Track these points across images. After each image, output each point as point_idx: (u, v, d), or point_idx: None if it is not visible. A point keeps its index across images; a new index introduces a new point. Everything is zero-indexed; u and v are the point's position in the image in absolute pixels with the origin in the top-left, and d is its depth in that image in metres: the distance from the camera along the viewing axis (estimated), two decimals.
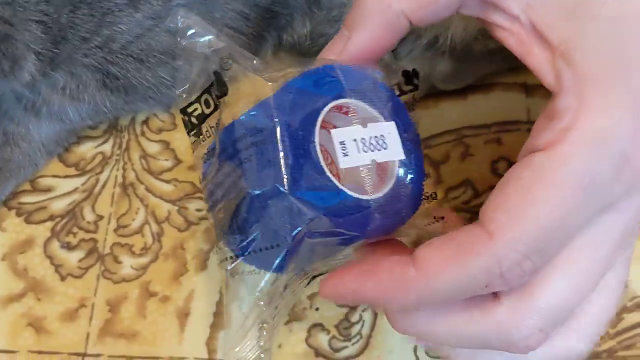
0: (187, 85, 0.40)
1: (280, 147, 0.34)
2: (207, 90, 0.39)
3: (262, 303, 0.42)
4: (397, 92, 0.41)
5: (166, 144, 0.53)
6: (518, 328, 0.33)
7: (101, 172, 0.52)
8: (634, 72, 0.31)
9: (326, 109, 0.35)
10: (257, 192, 0.34)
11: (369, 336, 0.46)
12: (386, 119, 0.36)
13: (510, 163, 0.50)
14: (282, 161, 0.33)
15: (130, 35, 0.47)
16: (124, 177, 0.52)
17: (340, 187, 0.34)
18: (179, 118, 0.53)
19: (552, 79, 0.33)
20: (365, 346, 0.46)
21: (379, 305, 0.35)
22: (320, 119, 0.34)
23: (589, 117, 0.31)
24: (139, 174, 0.52)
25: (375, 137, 0.35)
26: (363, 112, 0.36)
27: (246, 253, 0.37)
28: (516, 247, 0.31)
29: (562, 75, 0.32)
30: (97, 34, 0.46)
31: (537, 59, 0.33)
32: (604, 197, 0.31)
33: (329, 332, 0.47)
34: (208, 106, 0.40)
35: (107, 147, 0.53)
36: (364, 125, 0.35)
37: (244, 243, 0.36)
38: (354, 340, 0.46)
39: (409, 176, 0.36)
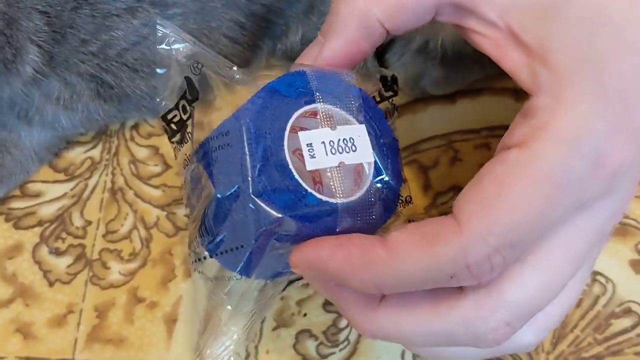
0: (166, 93, 0.40)
1: (246, 149, 0.34)
2: (183, 97, 0.40)
3: (229, 307, 0.42)
4: (378, 98, 0.41)
5: (155, 149, 0.53)
6: (485, 321, 0.33)
7: (90, 177, 0.52)
8: (606, 70, 0.32)
9: (297, 112, 0.35)
10: (223, 193, 0.35)
11: (357, 342, 0.46)
12: (359, 123, 0.36)
13: None
14: (248, 163, 0.34)
15: (127, 42, 0.47)
16: (112, 182, 0.52)
17: (308, 189, 0.34)
18: None
19: (529, 79, 0.33)
20: (353, 352, 0.46)
21: (344, 280, 0.34)
22: (290, 122, 0.35)
23: (564, 114, 0.31)
24: (128, 179, 0.52)
25: (344, 139, 0.35)
26: (336, 116, 0.36)
27: (215, 254, 0.37)
28: (485, 239, 0.31)
29: (539, 76, 0.33)
30: (96, 37, 0.46)
31: (513, 62, 0.34)
32: (578, 195, 0.31)
33: (316, 338, 0.46)
34: (185, 112, 0.40)
35: (96, 152, 0.53)
36: (333, 128, 0.35)
37: (213, 244, 0.37)
38: (341, 346, 0.46)
39: (384, 180, 0.36)
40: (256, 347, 0.46)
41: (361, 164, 0.36)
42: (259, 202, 0.33)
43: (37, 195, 0.52)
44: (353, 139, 0.36)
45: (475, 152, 0.51)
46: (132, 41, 0.47)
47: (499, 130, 0.51)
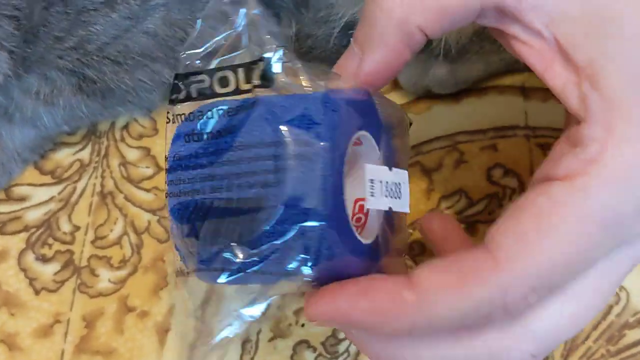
0: (202, 49, 0.35)
1: (330, 170, 0.31)
2: (232, 68, 0.34)
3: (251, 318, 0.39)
4: None
5: (147, 151, 0.51)
6: (509, 351, 0.31)
7: (79, 180, 0.50)
8: None
9: (355, 136, 0.33)
10: (297, 206, 0.31)
11: (357, 354, 0.44)
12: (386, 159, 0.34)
13: (507, 170, 0.48)
14: (329, 187, 0.31)
15: (107, 37, 0.45)
16: (102, 185, 0.50)
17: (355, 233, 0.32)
18: (160, 123, 0.51)
19: (577, 102, 0.30)
20: None
21: (372, 329, 0.32)
22: (349, 146, 0.32)
23: (616, 150, 0.29)
24: (118, 182, 0.50)
25: (395, 183, 0.34)
26: (372, 147, 0.34)
27: (249, 270, 0.32)
28: (526, 280, 0.29)
29: (588, 100, 0.30)
30: (72, 33, 0.44)
31: (559, 79, 0.31)
32: (622, 235, 0.30)
33: (315, 349, 0.44)
34: (224, 85, 0.34)
35: (85, 154, 0.51)
36: (390, 168, 0.33)
37: (250, 259, 0.31)
38: (341, 358, 0.44)
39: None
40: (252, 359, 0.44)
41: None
42: (330, 231, 0.31)
43: (22, 199, 0.50)
44: (400, 185, 0.34)
45: (481, 154, 0.49)
46: (113, 35, 0.45)
47: (506, 130, 0.49)
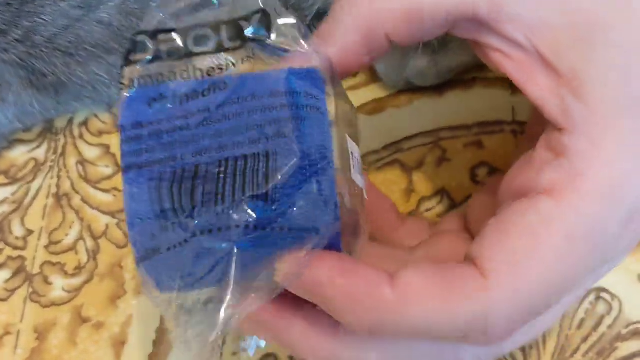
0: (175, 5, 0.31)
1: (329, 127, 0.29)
2: (213, 25, 0.31)
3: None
4: None
5: (106, 148, 0.47)
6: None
7: (33, 180, 0.47)
8: None
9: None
10: (312, 158, 0.28)
11: None
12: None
13: (492, 169, 0.45)
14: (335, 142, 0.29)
15: (56, 27, 0.42)
16: (58, 186, 0.46)
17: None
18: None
19: (558, 112, 0.29)
20: None
21: (335, 311, 0.29)
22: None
23: (603, 164, 0.28)
24: (75, 182, 0.46)
25: (359, 160, 0.32)
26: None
27: (267, 227, 0.28)
28: (513, 302, 0.28)
29: (571, 109, 0.28)
30: (16, 25, 0.41)
31: (540, 88, 0.30)
32: (608, 252, 0.29)
33: None
34: (201, 44, 0.30)
35: (40, 152, 0.47)
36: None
37: (267, 214, 0.28)
38: None
39: None
40: None
41: None
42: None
43: None
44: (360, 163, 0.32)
45: (465, 151, 0.45)
46: (63, 25, 0.42)
47: (492, 126, 0.46)
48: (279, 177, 0.28)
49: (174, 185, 0.28)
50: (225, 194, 0.28)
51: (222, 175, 0.28)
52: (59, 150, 0.47)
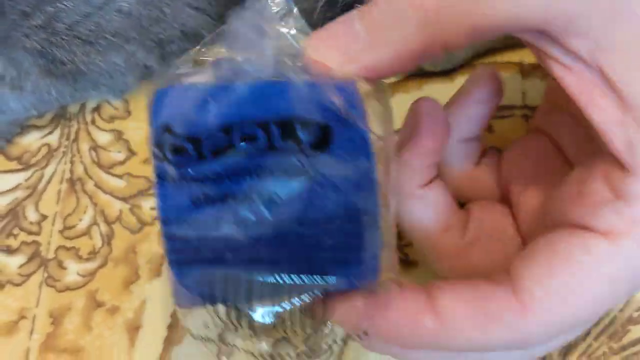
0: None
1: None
2: None
3: None
4: None
5: (119, 134, 0.47)
6: None
7: (47, 165, 0.47)
8: None
9: None
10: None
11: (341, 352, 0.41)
12: None
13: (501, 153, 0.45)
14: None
15: (77, 14, 0.42)
16: (71, 171, 0.47)
17: None
18: (133, 105, 0.48)
19: (623, 146, 0.28)
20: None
21: (386, 340, 0.31)
22: None
23: None
24: (88, 167, 0.47)
25: None
26: None
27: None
28: (548, 330, 0.29)
29: (636, 149, 0.27)
30: (39, 9, 0.41)
31: (602, 115, 0.28)
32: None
33: None
34: None
35: (54, 138, 0.48)
36: None
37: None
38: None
39: None
40: None
41: None
42: None
43: None
44: None
45: None
46: (84, 12, 0.42)
47: (503, 110, 0.46)
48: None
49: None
50: None
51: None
52: (72, 136, 0.47)
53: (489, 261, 0.36)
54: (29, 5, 0.41)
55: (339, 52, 0.29)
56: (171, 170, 0.27)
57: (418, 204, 0.37)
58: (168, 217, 0.28)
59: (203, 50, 0.30)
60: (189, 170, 0.27)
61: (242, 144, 0.26)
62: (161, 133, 0.27)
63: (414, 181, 0.36)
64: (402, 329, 0.30)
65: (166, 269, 0.30)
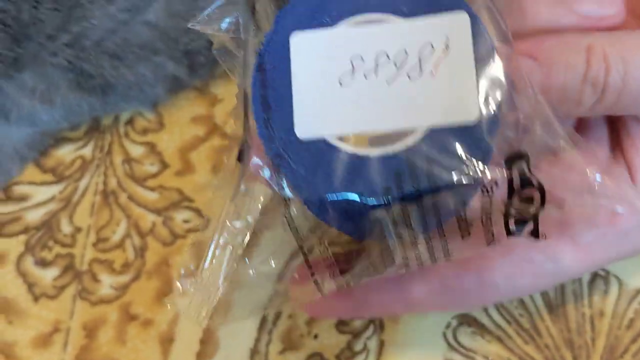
0: None
1: None
2: None
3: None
4: None
5: (151, 147, 0.47)
6: None
7: (81, 178, 0.47)
8: None
9: None
10: None
11: None
12: None
13: None
14: None
15: (104, 30, 0.42)
16: (105, 184, 0.47)
17: None
18: (166, 117, 0.48)
19: None
20: None
21: None
22: None
23: None
24: (122, 180, 0.47)
25: None
26: None
27: None
28: None
29: None
30: (65, 30, 0.41)
31: None
32: None
33: None
34: None
35: (87, 151, 0.48)
36: None
37: None
38: None
39: None
40: None
41: None
42: None
43: (22, 198, 0.47)
44: None
45: None
46: (111, 28, 0.42)
47: None
48: None
49: None
50: None
51: None
52: (106, 148, 0.48)
53: None
54: (54, 29, 0.41)
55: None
56: None
57: None
58: None
59: None
60: None
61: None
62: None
63: None
64: None
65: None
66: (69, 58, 0.42)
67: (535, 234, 0.30)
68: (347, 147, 0.29)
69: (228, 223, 0.32)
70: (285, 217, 0.30)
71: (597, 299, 0.40)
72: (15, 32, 0.40)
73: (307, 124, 0.30)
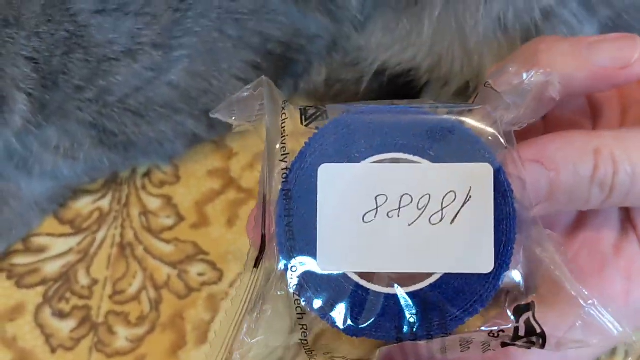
0: None
1: None
2: None
3: None
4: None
5: (168, 199, 0.48)
6: None
7: (98, 230, 0.48)
8: None
9: None
10: None
11: None
12: None
13: None
14: None
15: (128, 88, 0.43)
16: (122, 236, 0.48)
17: None
18: (182, 170, 0.49)
19: None
20: None
21: None
22: None
23: None
24: (138, 232, 0.48)
25: None
26: None
27: None
28: None
29: None
30: (92, 83, 0.42)
31: None
32: None
33: None
34: None
35: (105, 203, 0.49)
36: None
37: None
38: None
39: None
40: None
41: None
42: None
43: (41, 250, 0.48)
44: None
45: None
46: (135, 86, 0.43)
47: None
48: None
49: None
50: None
51: None
52: (123, 201, 0.49)
53: None
54: (82, 80, 0.42)
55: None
56: None
57: None
58: None
59: None
60: None
61: None
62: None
63: None
64: None
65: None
66: (93, 115, 0.43)
67: None
68: (367, 285, 0.31)
69: (244, 338, 0.32)
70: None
71: None
72: (45, 76, 0.41)
73: (329, 257, 0.31)
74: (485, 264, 0.30)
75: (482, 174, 0.31)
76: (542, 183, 0.32)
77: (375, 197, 0.31)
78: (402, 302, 0.31)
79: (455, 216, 0.30)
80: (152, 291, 0.46)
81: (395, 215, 0.31)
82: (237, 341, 0.31)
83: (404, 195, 0.31)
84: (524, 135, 0.32)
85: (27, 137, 0.44)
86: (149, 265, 0.47)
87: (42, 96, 0.42)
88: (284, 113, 0.32)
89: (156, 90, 0.44)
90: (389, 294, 0.31)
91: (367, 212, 0.31)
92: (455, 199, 0.30)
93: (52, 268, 0.47)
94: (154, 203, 0.49)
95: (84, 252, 0.47)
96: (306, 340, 0.32)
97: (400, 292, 0.31)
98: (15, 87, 0.41)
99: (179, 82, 0.44)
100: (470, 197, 0.30)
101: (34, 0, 0.40)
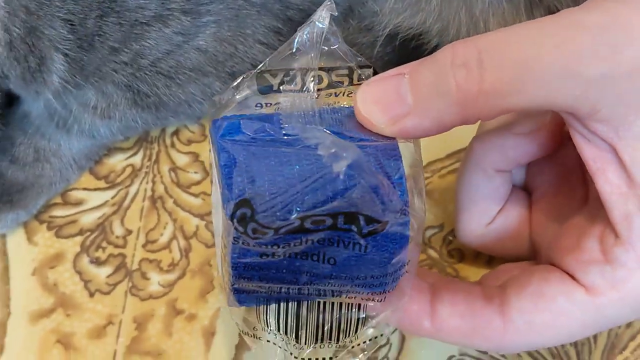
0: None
1: None
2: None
3: None
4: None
5: (195, 156, 0.52)
6: None
7: (131, 184, 0.52)
8: None
9: None
10: None
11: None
12: None
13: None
14: None
15: (159, 52, 0.46)
16: (153, 190, 0.51)
17: None
18: (208, 129, 0.52)
19: (620, 218, 0.33)
20: None
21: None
22: None
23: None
24: (168, 187, 0.51)
25: None
26: None
27: None
28: (520, 349, 0.40)
29: (632, 223, 0.32)
30: (126, 46, 0.45)
31: (609, 186, 0.33)
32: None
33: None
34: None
35: (137, 159, 0.52)
36: None
37: None
38: None
39: None
40: None
41: None
42: None
43: (78, 203, 0.52)
44: None
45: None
46: (166, 50, 0.46)
47: None
48: None
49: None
50: None
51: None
52: (153, 158, 0.52)
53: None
54: (116, 42, 0.45)
55: (383, 113, 0.33)
56: (249, 240, 0.33)
57: None
58: (237, 264, 0.34)
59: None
60: (264, 243, 0.33)
61: (312, 226, 0.32)
62: (240, 213, 0.32)
63: None
64: (406, 325, 0.38)
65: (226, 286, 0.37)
66: (128, 77, 0.47)
67: None
68: None
69: None
70: None
71: None
72: (81, 37, 0.44)
73: None
74: None
75: None
76: (402, 89, 0.32)
77: None
78: None
79: None
80: (182, 240, 0.50)
81: None
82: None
83: None
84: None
85: (67, 97, 0.47)
86: (178, 216, 0.50)
87: (79, 57, 0.45)
88: None
89: (185, 54, 0.47)
90: None
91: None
92: None
93: (88, 219, 0.51)
94: (182, 159, 0.52)
95: (118, 205, 0.51)
96: None
97: None
98: (53, 48, 0.44)
99: (207, 46, 0.47)
100: None
101: None
